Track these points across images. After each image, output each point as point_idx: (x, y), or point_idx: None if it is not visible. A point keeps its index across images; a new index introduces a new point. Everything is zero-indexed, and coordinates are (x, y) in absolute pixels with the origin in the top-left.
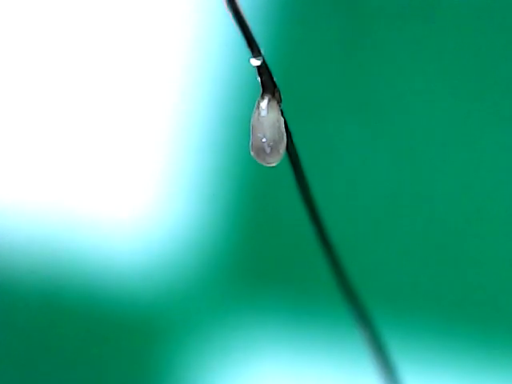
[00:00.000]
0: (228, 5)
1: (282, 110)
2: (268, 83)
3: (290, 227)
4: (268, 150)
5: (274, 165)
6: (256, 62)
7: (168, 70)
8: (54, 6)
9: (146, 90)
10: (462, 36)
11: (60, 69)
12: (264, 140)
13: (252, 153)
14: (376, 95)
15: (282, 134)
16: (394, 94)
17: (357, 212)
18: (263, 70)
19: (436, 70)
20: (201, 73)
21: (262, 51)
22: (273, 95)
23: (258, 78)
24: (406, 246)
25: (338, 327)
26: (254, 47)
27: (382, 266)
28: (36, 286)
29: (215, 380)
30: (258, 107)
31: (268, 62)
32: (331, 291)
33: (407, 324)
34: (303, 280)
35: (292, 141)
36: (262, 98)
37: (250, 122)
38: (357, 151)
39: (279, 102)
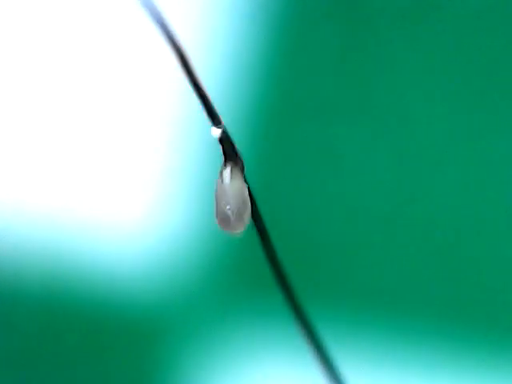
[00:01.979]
0: (187, 76)
1: (245, 178)
2: (230, 152)
3: (290, 229)
4: (233, 218)
5: (238, 233)
6: (217, 132)
7: (168, 74)
8: (55, 13)
9: (147, 94)
10: (463, 36)
11: (62, 74)
12: (228, 208)
13: (217, 222)
14: (376, 96)
15: (247, 202)
16: (395, 95)
17: (356, 213)
18: (224, 139)
19: (437, 70)
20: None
21: (222, 121)
22: (235, 164)
23: (220, 148)
24: (405, 250)
25: (338, 329)
26: (214, 117)
27: (380, 269)
28: (37, 289)
29: (215, 382)
30: (221, 176)
31: (268, 63)
32: (331, 295)
33: (407, 326)
34: (303, 284)
35: (257, 208)
36: (225, 166)
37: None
38: (356, 152)
39: (242, 170)
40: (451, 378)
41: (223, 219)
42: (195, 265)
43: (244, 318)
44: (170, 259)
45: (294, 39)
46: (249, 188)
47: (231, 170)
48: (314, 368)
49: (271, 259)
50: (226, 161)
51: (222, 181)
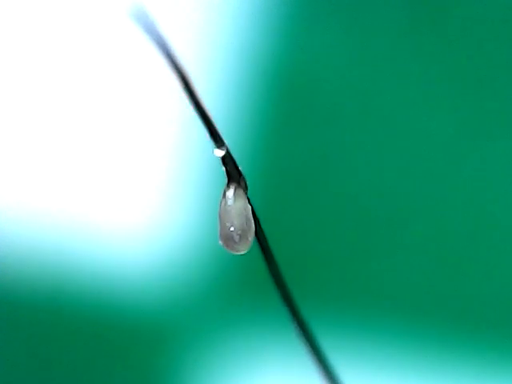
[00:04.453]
0: (189, 97)
1: (248, 198)
2: (233, 172)
3: (292, 233)
4: (237, 238)
5: (243, 253)
6: (220, 153)
7: (170, 83)
8: (56, 21)
9: (151, 97)
10: (465, 41)
11: (67, 79)
12: (232, 229)
13: (221, 242)
14: (379, 98)
15: (250, 222)
16: (399, 97)
17: (358, 218)
18: (227, 159)
19: (438, 70)
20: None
21: (225, 141)
22: (238, 184)
23: (223, 168)
24: (406, 253)
25: (338, 334)
26: (217, 138)
27: (384, 272)
28: (40, 293)
29: None
30: (225, 196)
31: (269, 64)
32: (332, 299)
33: (407, 330)
34: (306, 288)
35: (261, 227)
36: (228, 187)
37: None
38: (358, 154)
39: (245, 190)
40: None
41: (227, 239)
42: (197, 271)
43: (245, 324)
44: (173, 265)
45: (295, 42)
46: (252, 208)
47: (235, 191)
48: (313, 373)
49: (275, 276)
50: (229, 181)
51: (226, 201)
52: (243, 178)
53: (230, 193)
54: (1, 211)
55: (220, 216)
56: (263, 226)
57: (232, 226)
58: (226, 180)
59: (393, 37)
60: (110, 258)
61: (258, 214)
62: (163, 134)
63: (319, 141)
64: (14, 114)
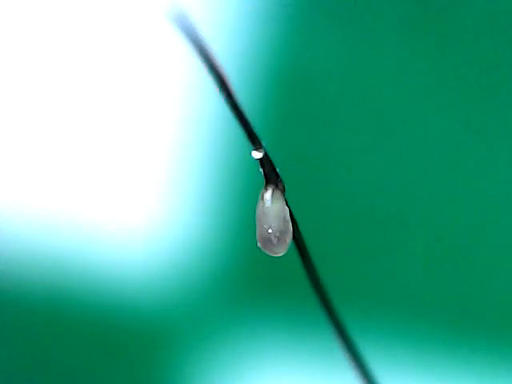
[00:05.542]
0: (226, 100)
1: (286, 199)
2: (271, 174)
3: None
4: (275, 240)
5: (281, 255)
6: (258, 155)
7: (174, 77)
8: (57, 21)
9: (153, 98)
10: (465, 41)
11: (66, 80)
12: (270, 231)
13: (259, 244)
14: (380, 99)
15: (288, 224)
16: (399, 98)
17: (356, 217)
18: (265, 161)
19: (439, 70)
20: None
21: (263, 143)
22: (276, 186)
23: (261, 170)
24: (407, 255)
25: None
26: (254, 140)
27: (383, 276)
28: (40, 294)
29: None
30: (263, 198)
31: (269, 65)
32: (334, 300)
33: (406, 332)
34: (307, 289)
35: (298, 229)
36: (266, 189)
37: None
38: (357, 155)
39: (283, 191)
40: None
41: (265, 241)
42: (197, 271)
43: (245, 324)
44: (173, 265)
45: (294, 43)
46: (290, 209)
47: (272, 192)
48: (316, 373)
49: (312, 279)
50: (266, 183)
51: (264, 203)
52: (281, 180)
53: (268, 195)
54: (1, 211)
55: (258, 218)
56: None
57: (270, 228)
58: (263, 182)
59: (393, 37)
60: (110, 259)
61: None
62: (163, 134)
63: (320, 141)
64: (14, 114)
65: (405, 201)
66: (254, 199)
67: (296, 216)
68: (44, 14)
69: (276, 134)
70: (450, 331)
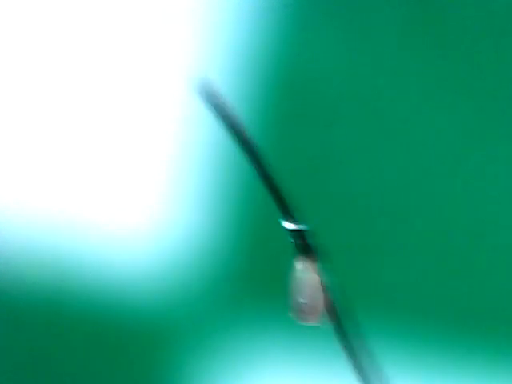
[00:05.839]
0: (259, 173)
1: (319, 269)
2: (304, 246)
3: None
4: (306, 309)
5: (313, 324)
6: (290, 226)
7: (174, 81)
8: (57, 20)
9: (153, 98)
10: (464, 42)
11: (67, 80)
12: (302, 300)
13: (292, 314)
14: (381, 99)
15: (320, 294)
16: (400, 97)
17: (355, 218)
18: (297, 233)
19: (439, 70)
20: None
21: (296, 216)
22: (309, 257)
23: (293, 241)
24: (407, 256)
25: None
26: (287, 211)
27: (383, 274)
28: (41, 293)
29: None
30: (295, 269)
31: (268, 65)
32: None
33: (404, 332)
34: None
35: (331, 299)
36: (298, 260)
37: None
38: (358, 155)
39: (315, 262)
40: None
41: (298, 311)
42: (197, 271)
43: (245, 324)
44: (173, 265)
45: (294, 43)
46: (323, 280)
47: (304, 264)
48: (316, 373)
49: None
50: (300, 254)
51: (296, 273)
52: (314, 251)
53: (300, 266)
54: (1, 211)
55: (291, 288)
56: (265, 225)
57: (302, 297)
58: (296, 252)
59: (393, 37)
60: (110, 259)
61: (256, 220)
62: (163, 134)
63: (320, 141)
64: (14, 114)
65: (405, 201)
66: (254, 199)
67: (296, 216)
68: (45, 16)
69: (276, 133)
70: (450, 331)
